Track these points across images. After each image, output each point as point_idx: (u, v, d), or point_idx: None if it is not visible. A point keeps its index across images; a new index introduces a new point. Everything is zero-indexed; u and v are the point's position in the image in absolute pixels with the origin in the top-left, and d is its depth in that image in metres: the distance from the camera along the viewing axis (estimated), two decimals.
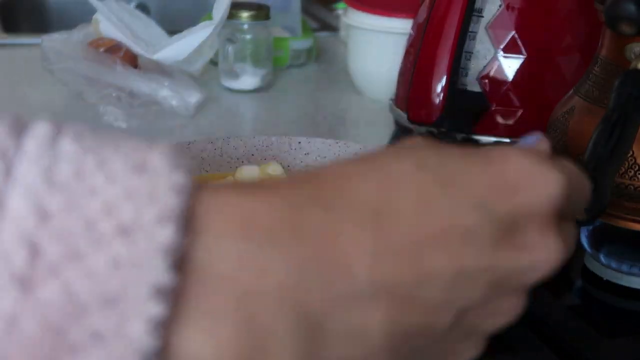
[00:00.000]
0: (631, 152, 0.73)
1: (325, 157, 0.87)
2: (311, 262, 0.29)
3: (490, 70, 0.93)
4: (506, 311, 0.35)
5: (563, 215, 0.36)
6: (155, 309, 0.26)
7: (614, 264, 0.79)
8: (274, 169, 0.84)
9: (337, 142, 0.86)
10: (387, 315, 0.31)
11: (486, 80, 0.94)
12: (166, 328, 0.27)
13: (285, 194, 0.30)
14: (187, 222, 0.28)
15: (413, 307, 0.31)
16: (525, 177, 0.34)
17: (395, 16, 1.18)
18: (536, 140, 0.39)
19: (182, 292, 0.28)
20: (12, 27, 1.61)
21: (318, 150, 0.86)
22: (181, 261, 0.27)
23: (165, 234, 0.27)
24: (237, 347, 0.28)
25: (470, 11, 0.92)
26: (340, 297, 0.29)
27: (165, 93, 1.16)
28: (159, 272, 0.27)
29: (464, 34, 0.92)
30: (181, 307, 0.27)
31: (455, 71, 0.93)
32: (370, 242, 0.30)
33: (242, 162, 0.86)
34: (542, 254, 0.34)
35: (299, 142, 0.87)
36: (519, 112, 0.94)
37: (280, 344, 0.28)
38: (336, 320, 0.30)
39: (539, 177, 0.34)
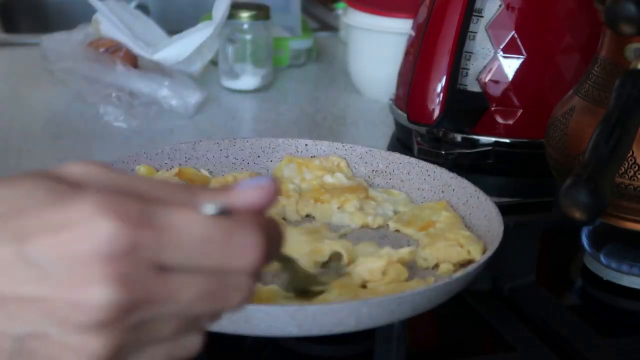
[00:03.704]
0: (631, 152, 0.73)
1: None
2: None
3: (490, 70, 0.93)
4: (77, 348, 0.36)
5: (155, 265, 0.37)
6: None
7: (614, 264, 0.79)
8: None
9: (343, 146, 0.86)
10: None
11: (486, 80, 0.94)
12: None
13: None
14: None
15: None
16: (77, 219, 0.35)
17: (395, 16, 1.18)
18: (261, 184, 0.40)
19: None
20: (12, 27, 1.61)
21: (324, 152, 0.86)
22: None
23: None
24: None
25: (470, 11, 0.92)
26: None
27: (165, 93, 1.16)
28: None
29: (464, 34, 0.92)
30: None
31: (455, 71, 0.93)
32: None
33: (248, 163, 0.86)
34: (84, 296, 0.35)
35: (306, 145, 0.87)
36: (519, 112, 0.94)
37: None
38: None
39: (88, 220, 0.35)
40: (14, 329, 0.36)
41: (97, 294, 0.35)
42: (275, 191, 0.40)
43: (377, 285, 0.67)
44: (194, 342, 0.40)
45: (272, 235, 0.39)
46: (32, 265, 0.35)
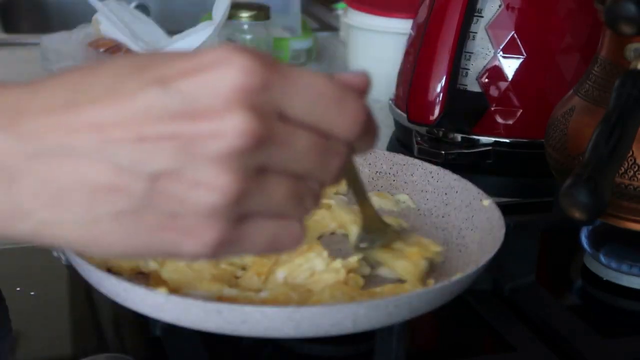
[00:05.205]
0: (631, 152, 0.73)
1: None
2: (8, 130, 0.39)
3: (490, 70, 0.93)
4: (208, 183, 0.39)
5: (278, 110, 0.39)
6: None
7: (614, 264, 0.79)
8: None
9: None
10: (78, 168, 0.39)
11: (486, 80, 0.94)
12: None
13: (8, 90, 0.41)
14: None
15: (101, 164, 0.38)
16: (214, 61, 0.38)
17: (395, 16, 1.19)
18: (359, 72, 0.43)
19: None
20: (12, 27, 1.61)
21: None
22: None
23: None
24: None
25: (470, 11, 0.92)
26: (30, 154, 0.38)
27: None
28: None
29: (463, 34, 0.93)
30: None
31: (455, 71, 0.93)
32: (60, 113, 0.39)
33: None
34: (224, 123, 0.38)
35: None
36: (519, 112, 0.94)
37: None
38: (31, 169, 0.39)
39: (226, 60, 0.38)
40: (149, 167, 0.38)
41: (235, 120, 0.38)
42: (369, 81, 0.43)
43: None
44: (296, 230, 0.42)
45: (370, 118, 0.42)
46: (174, 103, 0.38)
